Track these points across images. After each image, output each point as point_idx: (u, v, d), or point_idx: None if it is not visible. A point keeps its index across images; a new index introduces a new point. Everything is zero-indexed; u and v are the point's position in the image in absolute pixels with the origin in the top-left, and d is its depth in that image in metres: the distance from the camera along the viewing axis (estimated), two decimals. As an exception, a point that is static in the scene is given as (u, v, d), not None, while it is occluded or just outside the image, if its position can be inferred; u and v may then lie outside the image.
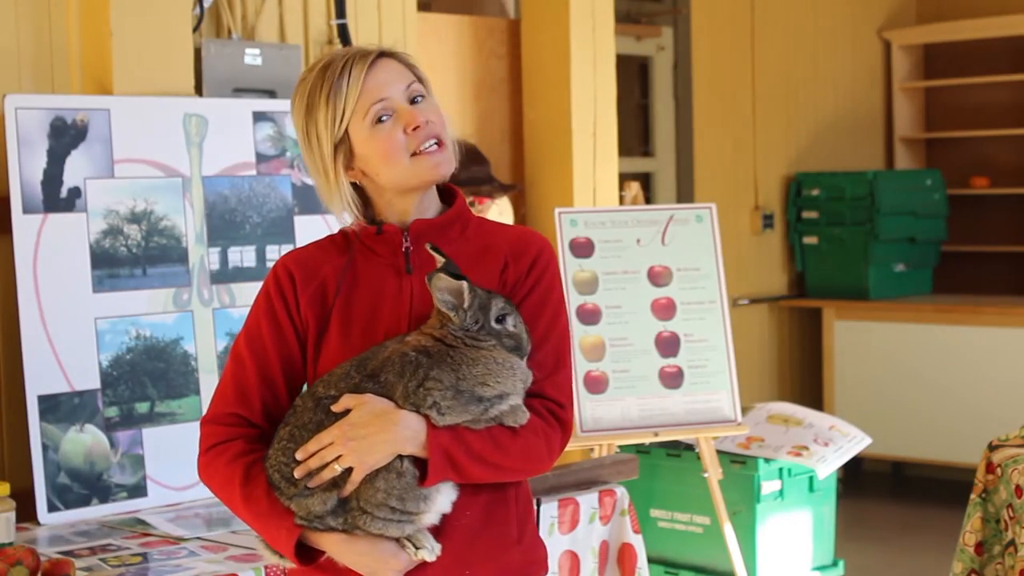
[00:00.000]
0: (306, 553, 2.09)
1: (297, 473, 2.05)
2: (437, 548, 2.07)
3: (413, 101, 2.16)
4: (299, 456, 2.06)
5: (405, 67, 2.19)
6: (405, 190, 2.17)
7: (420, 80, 2.20)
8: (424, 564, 2.08)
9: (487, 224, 2.27)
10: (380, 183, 2.18)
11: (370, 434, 2.02)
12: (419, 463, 2.04)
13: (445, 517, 2.09)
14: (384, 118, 2.13)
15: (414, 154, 2.14)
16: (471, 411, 2.04)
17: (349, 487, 2.04)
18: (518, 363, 2.09)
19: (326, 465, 2.04)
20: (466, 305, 2.07)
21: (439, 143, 2.15)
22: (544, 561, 2.24)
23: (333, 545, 2.07)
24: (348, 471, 2.04)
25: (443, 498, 2.07)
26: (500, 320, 2.09)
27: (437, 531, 2.09)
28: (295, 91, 2.19)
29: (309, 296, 2.17)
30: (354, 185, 2.21)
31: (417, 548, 2.06)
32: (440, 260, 2.10)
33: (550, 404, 2.13)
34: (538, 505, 3.21)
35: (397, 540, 2.06)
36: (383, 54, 2.17)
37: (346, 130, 2.15)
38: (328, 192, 2.20)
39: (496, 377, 2.05)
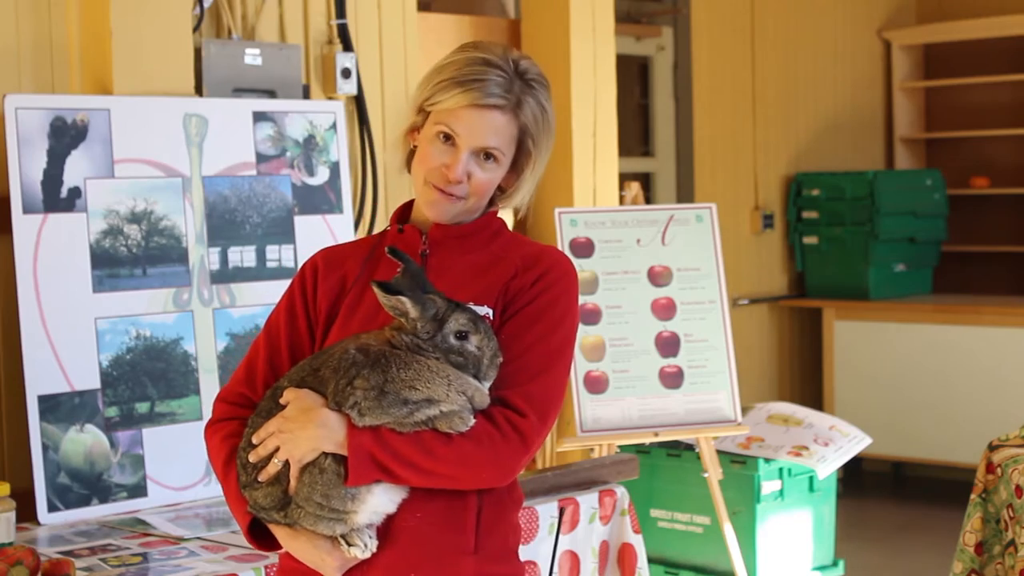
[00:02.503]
0: (269, 537, 2.14)
1: (251, 458, 2.09)
2: (372, 545, 2.06)
3: (487, 156, 2.16)
4: (254, 440, 2.10)
5: (515, 126, 2.16)
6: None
7: (520, 140, 2.18)
8: (367, 563, 2.07)
9: (519, 241, 2.26)
10: (411, 171, 2.23)
11: (294, 429, 2.04)
12: (345, 461, 2.03)
13: (391, 517, 2.07)
14: (448, 140, 2.15)
15: (429, 183, 2.17)
16: (393, 413, 2.02)
17: (291, 481, 2.06)
18: (458, 375, 2.04)
19: (272, 458, 2.08)
20: (412, 315, 2.05)
21: (457, 197, 2.16)
22: None
23: (281, 537, 2.12)
24: (288, 466, 2.07)
25: (376, 499, 2.04)
26: (461, 336, 2.06)
27: (383, 531, 2.08)
28: (469, 45, 2.21)
29: (327, 288, 2.22)
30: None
31: (350, 545, 2.05)
32: (403, 266, 2.11)
33: (509, 413, 2.05)
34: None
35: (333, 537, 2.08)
36: (512, 109, 2.15)
37: (430, 113, 2.18)
38: (401, 132, 2.26)
39: (425, 382, 2.02)
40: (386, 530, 2.08)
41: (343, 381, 2.04)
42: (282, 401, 2.09)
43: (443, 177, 2.15)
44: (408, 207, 2.27)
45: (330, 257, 2.26)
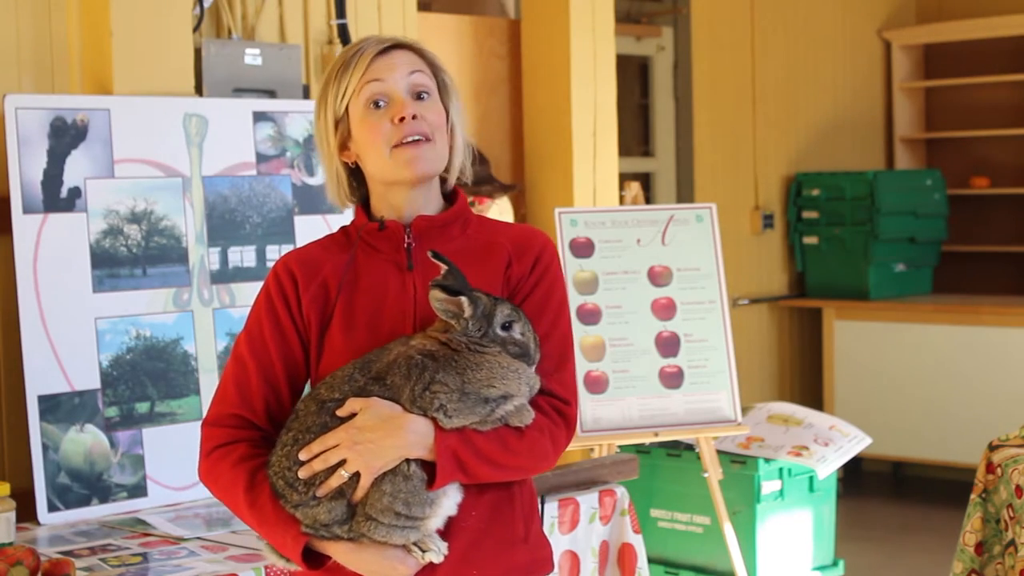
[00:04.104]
0: (314, 557, 2.09)
1: (301, 474, 2.04)
2: (444, 548, 2.06)
3: (418, 97, 2.16)
4: (302, 456, 2.04)
5: (421, 60, 2.19)
6: (388, 183, 2.18)
7: (434, 74, 2.20)
8: (432, 565, 2.07)
9: (488, 222, 2.27)
10: (368, 171, 2.19)
11: (377, 438, 2.01)
12: (426, 466, 2.03)
13: (451, 519, 2.08)
14: (381, 103, 2.14)
15: (395, 147, 2.14)
16: (478, 412, 2.04)
17: (359, 492, 2.03)
18: (524, 368, 2.08)
19: (333, 472, 2.03)
20: (467, 315, 2.06)
21: (425, 140, 2.15)
22: (549, 559, 2.23)
23: (341, 554, 2.06)
24: (355, 478, 2.03)
25: (449, 501, 2.06)
26: (506, 327, 2.08)
27: (444, 533, 2.09)
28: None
29: (311, 295, 2.16)
30: (357, 173, 2.22)
31: (424, 551, 2.05)
32: (443, 267, 2.09)
33: (555, 401, 2.13)
34: (542, 503, 3.21)
35: (404, 545, 2.06)
36: (401, 45, 2.18)
37: (346, 109, 2.16)
38: (327, 170, 2.23)
39: (502, 379, 2.05)
40: (445, 531, 2.08)
41: (419, 386, 2.03)
42: (344, 412, 2.04)
43: (400, 127, 2.13)
44: (366, 208, 2.24)
45: (304, 263, 2.20)
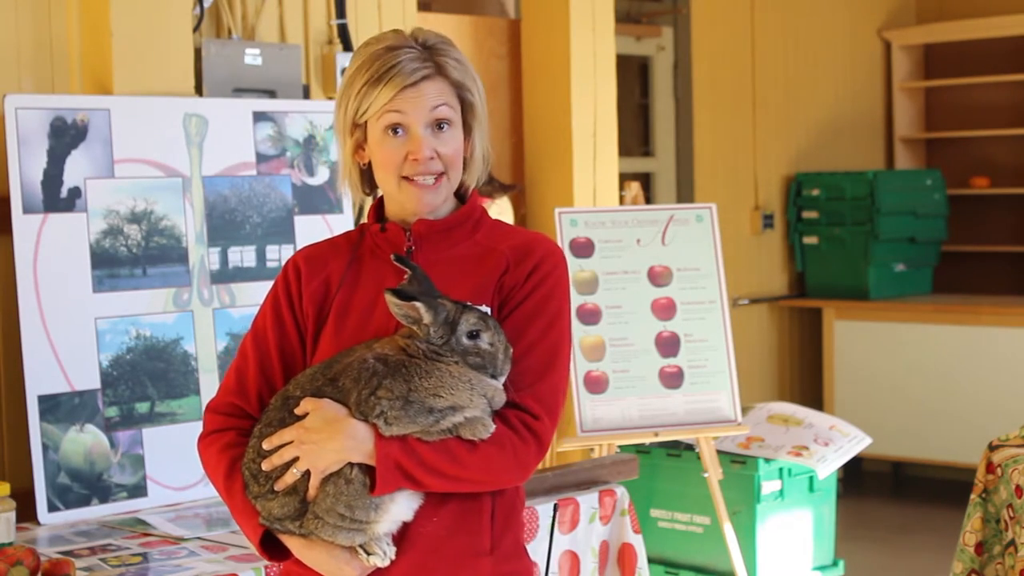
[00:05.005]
0: (278, 548, 2.12)
1: (264, 467, 2.07)
2: (391, 552, 2.06)
3: (439, 127, 2.15)
4: (265, 446, 2.08)
5: (450, 87, 2.16)
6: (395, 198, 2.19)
7: (461, 97, 2.18)
8: (385, 570, 2.07)
9: (501, 228, 2.25)
10: (378, 179, 2.21)
11: (320, 440, 2.02)
12: (370, 471, 2.03)
13: (408, 524, 2.07)
14: (399, 131, 2.14)
15: (405, 178, 2.14)
16: (420, 422, 2.01)
17: (311, 491, 2.05)
18: (480, 380, 2.04)
19: (288, 468, 2.06)
20: (426, 321, 2.04)
21: (436, 178, 2.15)
22: (523, 573, 2.19)
23: (295, 548, 2.09)
24: (307, 475, 2.05)
25: (398, 507, 2.05)
26: (472, 336, 2.05)
27: (400, 538, 2.08)
28: (360, 48, 2.20)
29: (312, 291, 2.19)
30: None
31: (369, 554, 2.05)
32: (407, 272, 2.09)
33: (524, 415, 2.07)
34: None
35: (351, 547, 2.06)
36: (437, 73, 2.15)
37: (366, 121, 2.16)
38: (342, 163, 2.24)
39: (449, 389, 2.02)
40: (402, 536, 2.08)
41: (366, 391, 2.03)
42: (299, 411, 2.06)
43: (413, 165, 2.13)
44: (382, 204, 2.24)
45: (311, 259, 2.23)
